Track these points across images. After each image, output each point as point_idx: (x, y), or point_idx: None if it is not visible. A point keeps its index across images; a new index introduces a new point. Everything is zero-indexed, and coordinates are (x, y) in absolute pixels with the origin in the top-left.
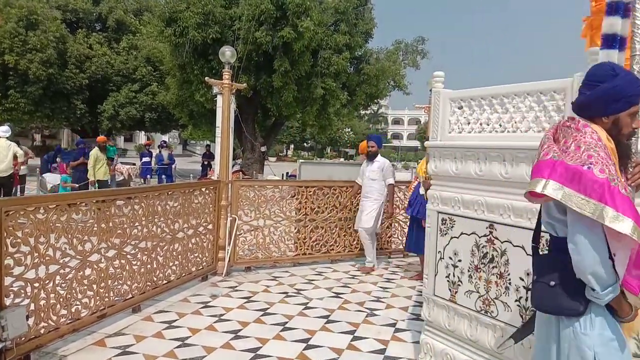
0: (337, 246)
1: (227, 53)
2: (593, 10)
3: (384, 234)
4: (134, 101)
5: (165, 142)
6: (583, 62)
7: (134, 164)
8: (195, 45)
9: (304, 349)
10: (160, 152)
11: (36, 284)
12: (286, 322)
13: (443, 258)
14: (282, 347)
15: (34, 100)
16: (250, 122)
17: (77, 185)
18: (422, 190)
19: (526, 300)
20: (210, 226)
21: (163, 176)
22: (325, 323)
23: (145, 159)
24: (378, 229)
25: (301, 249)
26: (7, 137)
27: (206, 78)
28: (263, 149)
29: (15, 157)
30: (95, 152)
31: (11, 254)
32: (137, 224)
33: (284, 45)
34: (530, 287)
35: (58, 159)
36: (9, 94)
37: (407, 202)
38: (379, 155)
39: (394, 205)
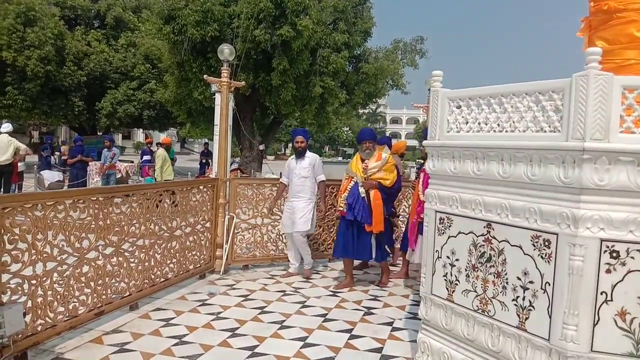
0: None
1: (226, 51)
2: (592, 11)
3: (320, 235)
4: (132, 99)
5: None
6: (582, 62)
7: (132, 162)
8: (194, 43)
9: (301, 347)
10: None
11: (33, 281)
12: (283, 321)
13: (440, 257)
14: (279, 345)
15: (31, 97)
16: (248, 121)
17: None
18: (362, 192)
19: (523, 299)
20: (208, 224)
21: None
22: (322, 321)
23: (146, 157)
24: (312, 230)
25: None
26: (7, 133)
27: (205, 76)
28: (261, 147)
29: (17, 151)
30: (162, 153)
31: (8, 251)
32: (135, 221)
33: (282, 44)
34: (527, 286)
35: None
36: (6, 90)
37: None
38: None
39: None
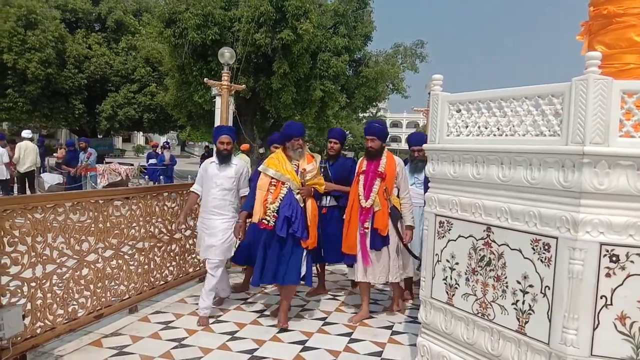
0: None
1: (226, 54)
2: (591, 15)
3: None
4: (132, 102)
5: (168, 142)
6: (581, 66)
7: (132, 165)
8: (195, 46)
9: (301, 351)
10: (162, 152)
11: (33, 284)
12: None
13: (440, 261)
14: (278, 349)
15: (32, 100)
16: (248, 124)
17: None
18: (300, 200)
19: (523, 303)
20: None
21: (162, 177)
22: (322, 325)
23: (152, 160)
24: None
25: None
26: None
27: (205, 79)
28: (261, 150)
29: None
30: (243, 157)
31: (8, 253)
32: (134, 224)
33: (283, 47)
34: (526, 290)
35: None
36: (7, 93)
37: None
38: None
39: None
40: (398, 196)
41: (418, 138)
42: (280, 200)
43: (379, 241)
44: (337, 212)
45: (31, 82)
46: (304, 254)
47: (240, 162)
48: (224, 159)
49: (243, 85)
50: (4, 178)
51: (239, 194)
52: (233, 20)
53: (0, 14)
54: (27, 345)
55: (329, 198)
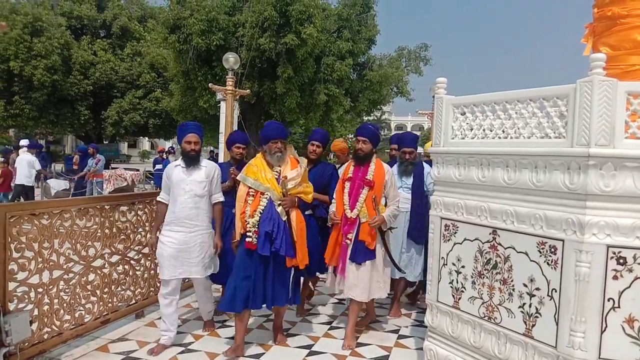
0: None
1: (231, 59)
2: (595, 17)
3: None
4: (137, 107)
5: (172, 147)
6: (586, 68)
7: (138, 170)
8: (199, 51)
9: (307, 355)
10: (167, 157)
11: (40, 289)
12: (289, 328)
13: (446, 264)
14: (285, 353)
15: (38, 106)
16: (253, 128)
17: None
18: (282, 213)
19: (530, 306)
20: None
21: None
22: (328, 329)
23: (158, 166)
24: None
25: None
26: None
27: (210, 84)
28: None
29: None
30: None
31: (15, 259)
32: (140, 229)
33: (287, 52)
34: (533, 293)
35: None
36: (13, 100)
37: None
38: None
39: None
40: (385, 205)
41: (411, 139)
42: (260, 213)
43: (362, 254)
44: (314, 222)
45: (37, 88)
46: (292, 273)
47: (210, 163)
48: (192, 161)
49: (247, 90)
50: (30, 185)
51: (212, 200)
52: (237, 26)
53: (7, 22)
54: (35, 350)
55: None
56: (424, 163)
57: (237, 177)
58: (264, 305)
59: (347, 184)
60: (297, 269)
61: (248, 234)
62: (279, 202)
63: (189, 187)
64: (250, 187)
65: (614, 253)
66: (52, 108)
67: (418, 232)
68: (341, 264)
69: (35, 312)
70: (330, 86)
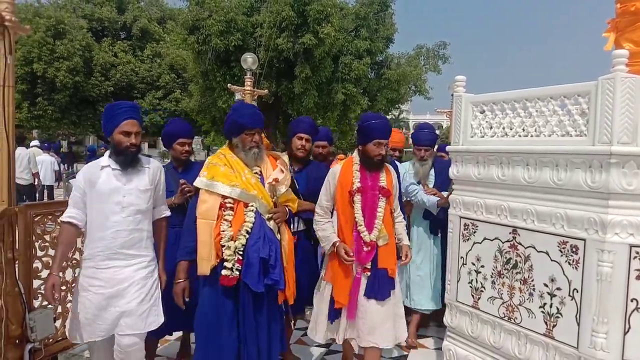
0: None
1: (249, 60)
2: (618, 12)
3: None
4: (157, 108)
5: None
6: (608, 65)
7: None
8: (218, 52)
9: (326, 354)
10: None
11: (63, 287)
12: (307, 327)
13: (466, 264)
14: (303, 352)
15: (60, 108)
16: (271, 128)
17: None
18: (274, 229)
19: (550, 306)
20: None
21: None
22: None
23: None
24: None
25: None
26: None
27: (228, 85)
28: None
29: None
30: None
31: (39, 258)
32: None
33: (304, 52)
34: (554, 293)
35: None
36: (37, 101)
37: None
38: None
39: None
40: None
41: (429, 135)
42: (247, 233)
43: (385, 285)
44: (308, 242)
45: (60, 90)
46: (283, 311)
47: (153, 162)
48: (131, 160)
49: (265, 90)
50: (50, 184)
51: (154, 215)
52: (255, 26)
53: (30, 25)
54: (58, 347)
55: (297, 220)
56: (396, 162)
57: (198, 184)
58: None
59: (358, 197)
60: (285, 303)
61: (226, 264)
62: (270, 214)
63: (127, 199)
64: (225, 197)
65: (637, 253)
66: (74, 109)
67: (439, 220)
68: (350, 303)
69: (59, 310)
70: (347, 85)
